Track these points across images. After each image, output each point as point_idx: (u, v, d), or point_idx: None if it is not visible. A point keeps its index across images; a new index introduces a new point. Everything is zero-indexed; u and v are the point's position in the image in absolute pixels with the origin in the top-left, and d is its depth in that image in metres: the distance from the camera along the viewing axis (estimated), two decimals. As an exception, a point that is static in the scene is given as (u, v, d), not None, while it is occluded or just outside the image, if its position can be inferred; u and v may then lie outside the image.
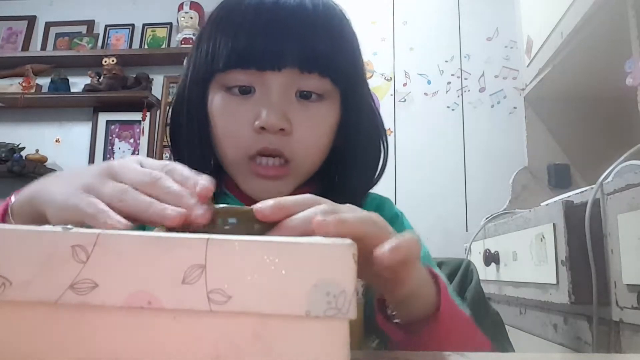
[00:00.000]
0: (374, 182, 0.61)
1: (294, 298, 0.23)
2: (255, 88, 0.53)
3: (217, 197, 0.57)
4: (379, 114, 0.62)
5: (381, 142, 0.61)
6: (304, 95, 0.53)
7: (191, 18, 2.72)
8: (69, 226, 0.26)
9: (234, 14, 0.53)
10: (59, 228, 0.25)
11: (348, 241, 0.24)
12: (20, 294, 0.24)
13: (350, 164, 0.58)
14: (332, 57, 0.53)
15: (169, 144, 0.61)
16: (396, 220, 0.61)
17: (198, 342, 0.24)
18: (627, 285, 0.76)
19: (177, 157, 0.60)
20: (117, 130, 2.77)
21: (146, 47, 2.85)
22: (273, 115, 0.50)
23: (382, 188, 0.63)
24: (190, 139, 0.58)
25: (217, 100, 0.54)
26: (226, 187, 0.59)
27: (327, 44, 0.53)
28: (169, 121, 0.61)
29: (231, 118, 0.53)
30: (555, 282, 0.92)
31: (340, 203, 0.54)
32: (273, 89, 0.52)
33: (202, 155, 0.58)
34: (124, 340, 0.24)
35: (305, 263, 0.24)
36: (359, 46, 0.59)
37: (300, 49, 0.51)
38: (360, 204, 0.56)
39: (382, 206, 0.62)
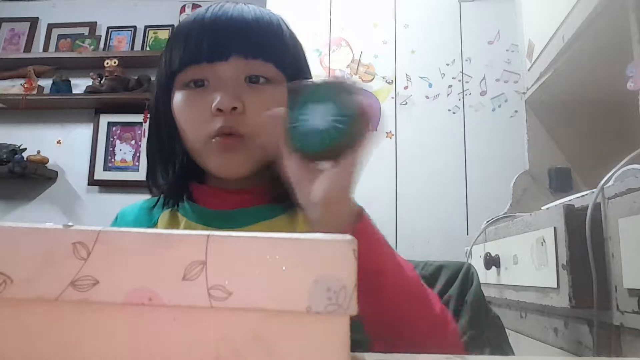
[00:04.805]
0: None
1: (294, 294, 0.23)
2: (209, 80, 0.59)
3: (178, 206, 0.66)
4: None
5: None
6: (253, 80, 0.60)
7: (193, 20, 2.72)
8: (70, 223, 0.26)
9: (185, 27, 0.61)
10: (59, 225, 0.25)
11: (348, 237, 0.24)
12: (21, 291, 0.24)
13: None
14: (273, 45, 0.61)
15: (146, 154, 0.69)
16: None
17: (199, 338, 0.24)
18: (628, 289, 0.76)
19: (152, 164, 0.68)
20: (118, 132, 2.77)
21: (148, 49, 2.86)
22: (226, 97, 0.57)
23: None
24: (161, 143, 0.66)
25: (177, 98, 0.61)
26: (191, 198, 0.66)
27: (268, 34, 0.61)
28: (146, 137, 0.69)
29: (191, 108, 0.60)
30: (555, 285, 0.92)
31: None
32: (224, 77, 0.59)
33: (172, 159, 0.66)
34: (125, 337, 0.24)
35: (305, 259, 0.24)
36: (303, 49, 0.67)
37: (243, 39, 0.59)
38: None
39: None
